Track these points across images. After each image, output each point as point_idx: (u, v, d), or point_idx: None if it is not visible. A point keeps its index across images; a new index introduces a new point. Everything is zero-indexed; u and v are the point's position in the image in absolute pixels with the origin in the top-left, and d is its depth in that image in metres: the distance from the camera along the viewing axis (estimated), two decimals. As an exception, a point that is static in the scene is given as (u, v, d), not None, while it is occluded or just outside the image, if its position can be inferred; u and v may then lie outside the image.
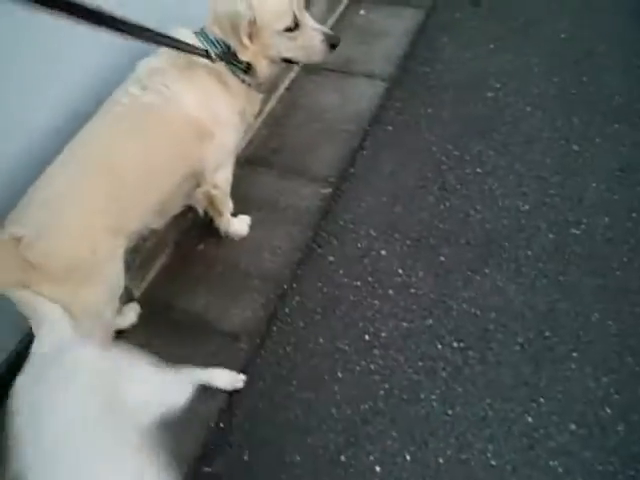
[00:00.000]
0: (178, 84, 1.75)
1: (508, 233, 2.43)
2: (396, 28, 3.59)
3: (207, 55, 1.74)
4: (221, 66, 1.81)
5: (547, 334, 2.09)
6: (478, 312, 2.18)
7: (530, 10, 3.72)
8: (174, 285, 2.31)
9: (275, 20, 1.80)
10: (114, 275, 1.68)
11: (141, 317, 2.20)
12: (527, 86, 3.13)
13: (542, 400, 1.94)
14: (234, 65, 1.84)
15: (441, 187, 2.62)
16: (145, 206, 1.74)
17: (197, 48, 1.73)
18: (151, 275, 2.36)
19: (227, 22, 1.76)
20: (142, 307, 2.21)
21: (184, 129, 1.76)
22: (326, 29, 1.94)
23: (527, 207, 2.52)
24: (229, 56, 1.80)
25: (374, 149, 2.82)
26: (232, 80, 1.86)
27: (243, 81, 1.90)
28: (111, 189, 1.58)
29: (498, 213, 2.50)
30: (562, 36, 3.46)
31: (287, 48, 1.88)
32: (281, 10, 1.80)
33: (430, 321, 2.17)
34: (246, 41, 1.76)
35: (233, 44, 1.78)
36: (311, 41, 1.90)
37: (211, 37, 1.80)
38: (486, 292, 2.24)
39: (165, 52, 1.81)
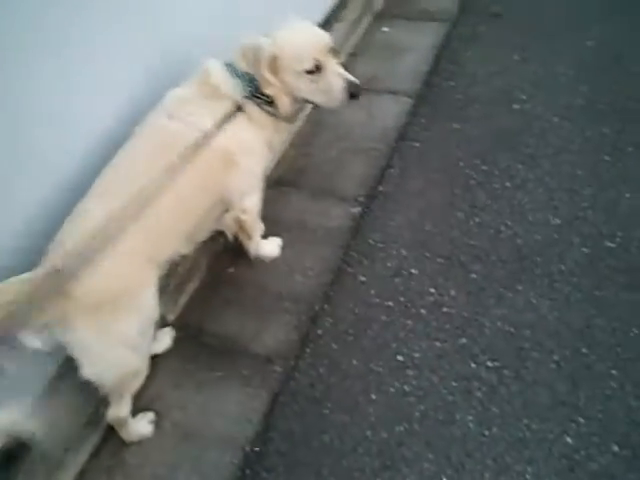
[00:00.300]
0: (203, 114, 1.79)
1: (540, 248, 2.40)
2: (419, 43, 3.61)
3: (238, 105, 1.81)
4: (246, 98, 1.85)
5: (584, 351, 2.06)
6: (512, 330, 2.16)
7: (553, 19, 3.71)
8: (207, 309, 2.34)
9: (296, 61, 1.84)
10: (149, 304, 1.70)
11: (175, 341, 2.23)
12: (554, 97, 3.11)
13: (581, 420, 1.90)
14: (259, 98, 1.88)
15: (470, 203, 2.61)
16: (177, 234, 1.77)
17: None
18: (184, 299, 2.39)
19: (251, 55, 1.81)
20: (176, 331, 2.25)
21: (210, 158, 1.78)
22: (351, 77, 1.93)
23: (559, 221, 2.49)
24: (254, 90, 1.84)
25: (402, 166, 2.83)
26: (257, 112, 1.89)
27: (268, 113, 1.93)
28: (144, 220, 1.61)
29: (529, 228, 2.48)
30: (588, 44, 3.44)
31: (307, 90, 1.90)
32: (303, 52, 1.84)
33: (463, 340, 2.15)
34: (268, 75, 1.81)
35: (258, 77, 1.82)
36: (331, 86, 1.90)
37: (238, 70, 1.84)
38: (519, 309, 2.21)
39: (193, 82, 1.86)
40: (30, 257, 1.58)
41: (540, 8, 3.82)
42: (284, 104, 1.91)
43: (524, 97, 3.12)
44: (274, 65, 1.82)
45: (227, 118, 1.77)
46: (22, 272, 1.46)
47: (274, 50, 1.79)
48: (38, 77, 1.66)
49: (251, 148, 1.88)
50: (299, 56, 1.84)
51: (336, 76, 1.89)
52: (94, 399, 1.84)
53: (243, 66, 1.84)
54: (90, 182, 1.70)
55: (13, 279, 1.40)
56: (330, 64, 1.88)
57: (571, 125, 2.92)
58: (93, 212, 1.57)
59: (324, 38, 1.91)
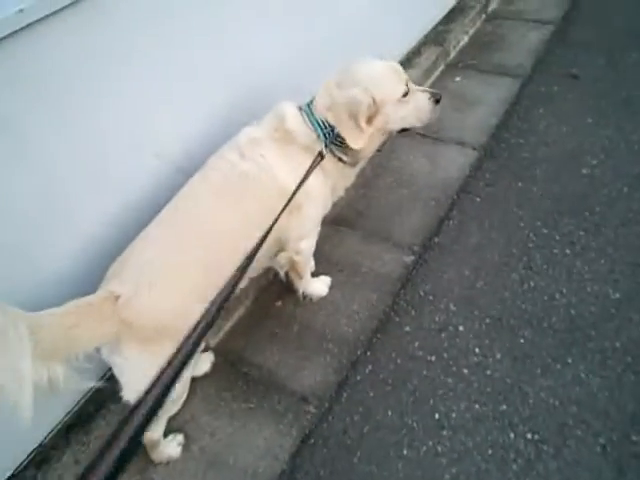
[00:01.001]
0: (274, 156, 1.84)
1: (595, 321, 2.31)
2: (491, 97, 3.61)
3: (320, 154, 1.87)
4: (319, 145, 1.89)
5: (634, 438, 1.95)
6: (557, 403, 2.08)
7: (632, 85, 3.63)
8: (249, 339, 2.36)
9: (393, 91, 1.94)
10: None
11: (215, 366, 2.26)
12: (626, 165, 3.03)
13: (623, 512, 1.80)
14: (336, 145, 1.92)
15: (526, 266, 2.55)
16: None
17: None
18: (228, 326, 2.43)
19: (344, 111, 1.85)
20: (216, 357, 2.28)
21: (275, 200, 1.81)
22: (428, 88, 2.10)
23: (618, 295, 2.40)
24: (332, 138, 1.89)
25: (460, 220, 2.81)
26: (330, 160, 1.93)
27: (339, 159, 1.96)
28: (206, 254, 1.66)
29: (586, 299, 2.40)
30: (667, 114, 3.34)
31: (402, 115, 1.99)
32: (396, 79, 1.96)
33: (504, 407, 2.08)
34: (364, 125, 1.86)
35: (343, 131, 1.86)
36: (420, 101, 2.03)
37: (317, 118, 1.89)
38: (567, 382, 2.13)
39: (265, 123, 1.92)
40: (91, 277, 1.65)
41: (620, 74, 3.75)
42: (368, 148, 1.98)
43: (594, 162, 3.06)
44: (372, 111, 1.87)
45: (313, 169, 1.82)
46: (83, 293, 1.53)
47: (370, 94, 1.86)
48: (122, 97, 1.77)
49: (316, 195, 1.91)
50: (394, 85, 1.95)
51: (420, 91, 2.03)
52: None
53: (328, 117, 1.88)
54: (158, 205, 1.78)
55: (73, 302, 1.47)
56: (410, 84, 2.00)
57: (641, 196, 2.83)
58: (156, 241, 1.62)
59: (395, 63, 2.02)
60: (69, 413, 2.04)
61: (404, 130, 2.09)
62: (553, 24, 4.38)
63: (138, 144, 1.93)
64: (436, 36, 3.97)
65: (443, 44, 3.87)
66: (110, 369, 1.70)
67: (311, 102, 1.95)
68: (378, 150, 2.19)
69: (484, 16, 4.52)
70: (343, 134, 1.87)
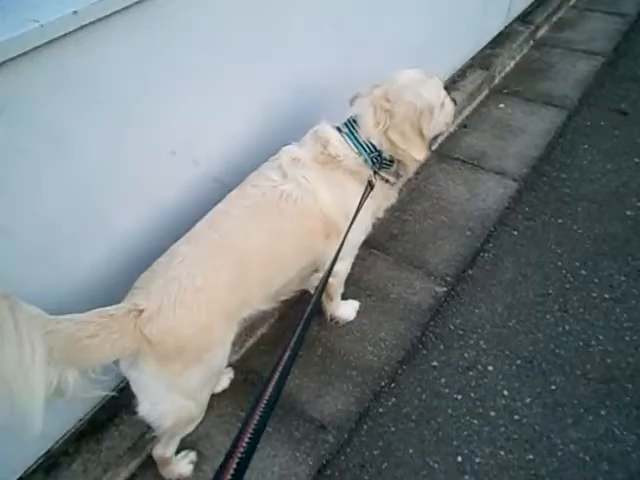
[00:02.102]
0: (318, 179, 1.79)
1: (632, 373, 2.21)
2: (535, 127, 3.52)
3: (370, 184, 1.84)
4: (366, 169, 1.84)
5: (666, 505, 1.86)
6: (587, 458, 1.98)
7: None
8: (270, 358, 2.28)
9: (438, 95, 1.97)
10: (220, 360, 1.69)
11: (233, 383, 2.21)
12: (674, 212, 2.92)
13: None
14: (385, 167, 1.88)
15: (562, 307, 2.46)
16: (265, 292, 1.75)
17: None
18: (250, 342, 2.37)
19: (406, 122, 1.83)
20: (235, 374, 2.22)
21: (315, 224, 1.78)
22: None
23: (658, 348, 2.30)
24: (380, 162, 1.86)
25: (496, 253, 2.72)
26: (376, 183, 1.87)
27: (387, 181, 1.91)
28: (237, 275, 1.61)
29: (624, 348, 2.30)
30: None
31: (440, 121, 2.00)
32: (436, 84, 1.98)
33: (531, 456, 1.99)
34: (427, 132, 1.87)
35: (407, 143, 1.84)
36: (449, 105, 2.05)
37: (362, 141, 1.84)
38: (599, 437, 2.03)
39: (308, 145, 1.87)
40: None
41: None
42: (422, 159, 1.94)
43: (639, 204, 2.95)
44: (430, 116, 1.88)
45: (364, 201, 1.78)
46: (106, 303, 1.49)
47: (426, 100, 1.86)
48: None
49: (359, 221, 1.85)
50: (437, 89, 1.97)
51: (448, 97, 2.05)
52: (142, 425, 1.85)
53: (369, 131, 1.84)
54: (191, 216, 1.73)
55: (96, 311, 1.42)
56: None
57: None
58: (187, 257, 1.57)
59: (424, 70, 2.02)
60: (81, 420, 2.00)
61: (434, 139, 2.10)
62: (603, 56, 4.27)
63: (177, 151, 1.89)
64: (482, 60, 3.90)
65: (489, 68, 3.80)
66: (125, 379, 1.66)
67: (351, 123, 1.90)
68: (416, 173, 2.15)
69: (532, 42, 4.42)
70: (408, 147, 1.84)
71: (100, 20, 1.46)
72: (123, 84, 1.61)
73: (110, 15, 1.48)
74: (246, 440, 1.01)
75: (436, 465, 1.99)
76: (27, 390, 1.21)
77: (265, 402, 1.10)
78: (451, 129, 3.45)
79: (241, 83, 2.05)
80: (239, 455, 0.99)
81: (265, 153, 1.92)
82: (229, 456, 0.99)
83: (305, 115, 2.17)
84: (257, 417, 1.06)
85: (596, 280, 2.58)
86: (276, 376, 1.18)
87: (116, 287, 1.60)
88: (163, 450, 1.83)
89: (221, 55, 1.91)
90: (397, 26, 2.87)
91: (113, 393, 1.64)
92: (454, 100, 2.10)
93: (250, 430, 1.03)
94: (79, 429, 1.99)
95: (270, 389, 1.14)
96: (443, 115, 2.00)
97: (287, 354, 1.23)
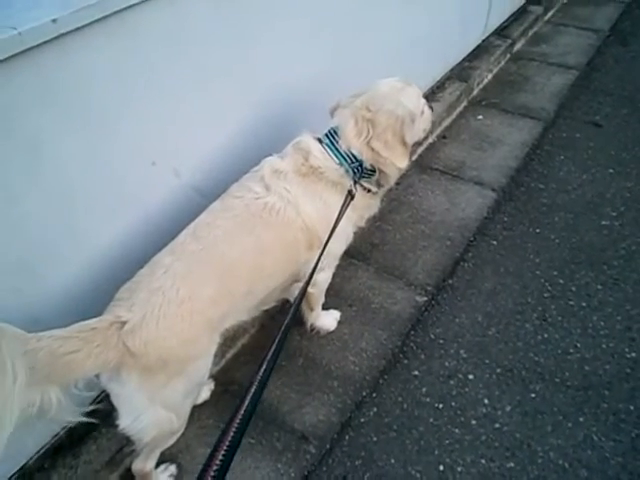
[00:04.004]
0: (300, 191, 1.79)
1: (610, 380, 2.24)
2: (512, 138, 3.58)
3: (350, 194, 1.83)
4: (347, 180, 1.84)
5: (645, 511, 1.88)
6: (567, 465, 2.00)
7: (657, 139, 3.60)
8: (251, 368, 2.23)
9: (418, 103, 1.97)
10: (203, 371, 1.67)
11: (214, 394, 2.18)
12: (646, 219, 2.98)
13: None
14: (366, 177, 1.88)
15: (541, 316, 2.49)
16: (248, 304, 1.75)
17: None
18: (231, 353, 2.35)
19: (388, 131, 1.83)
20: (216, 385, 2.20)
21: (297, 235, 1.78)
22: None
23: (634, 355, 2.33)
24: (361, 173, 1.86)
25: (476, 263, 2.75)
26: (357, 193, 1.87)
27: (368, 190, 1.92)
28: (221, 287, 1.60)
29: (600, 356, 2.33)
30: (690, 171, 3.30)
31: (420, 128, 2.03)
32: (417, 92, 1.99)
33: (512, 464, 2.00)
34: (409, 140, 1.87)
35: (389, 152, 1.84)
36: (427, 112, 2.06)
37: (343, 152, 1.84)
38: (578, 443, 2.05)
39: (289, 156, 1.86)
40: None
41: (644, 126, 3.73)
42: (406, 163, 1.94)
43: (614, 214, 3.01)
44: (411, 124, 1.88)
45: (344, 212, 1.77)
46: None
47: (407, 108, 1.87)
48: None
49: (340, 231, 1.85)
50: (417, 98, 1.97)
51: (426, 105, 2.06)
52: (120, 438, 1.82)
53: (350, 141, 1.84)
54: (173, 227, 1.72)
55: (77, 325, 1.40)
56: None
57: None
58: (169, 269, 1.55)
59: (403, 78, 2.02)
60: (57, 435, 1.95)
61: (413, 146, 2.09)
62: (577, 69, 4.37)
63: (157, 162, 1.88)
64: (461, 72, 3.96)
65: (467, 80, 3.85)
66: (103, 391, 1.63)
67: (331, 134, 1.90)
68: (396, 183, 2.16)
69: (509, 55, 4.51)
70: (391, 156, 1.84)
71: (79, 29, 1.46)
72: (102, 94, 1.60)
73: (89, 24, 1.47)
74: (222, 454, 1.01)
75: (418, 475, 1.99)
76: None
77: (241, 417, 1.09)
78: (430, 140, 3.49)
79: (221, 94, 2.04)
80: (214, 470, 0.98)
81: (246, 164, 1.91)
82: (204, 470, 0.99)
83: (286, 126, 2.18)
84: (232, 432, 1.05)
85: (573, 289, 2.61)
86: (253, 389, 1.17)
87: (96, 299, 1.57)
88: (143, 464, 1.80)
89: (201, 67, 1.91)
90: (378, 38, 2.90)
91: (92, 407, 1.61)
92: (431, 107, 2.12)
93: (226, 444, 1.03)
94: (55, 444, 1.95)
95: (246, 402, 1.13)
96: (422, 122, 2.03)
97: (263, 368, 1.23)
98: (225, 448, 1.03)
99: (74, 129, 1.56)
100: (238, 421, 1.08)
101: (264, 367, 1.23)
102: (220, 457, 1.01)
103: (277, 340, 1.32)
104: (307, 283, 1.55)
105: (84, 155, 1.61)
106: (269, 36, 2.17)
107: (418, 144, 2.11)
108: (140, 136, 1.77)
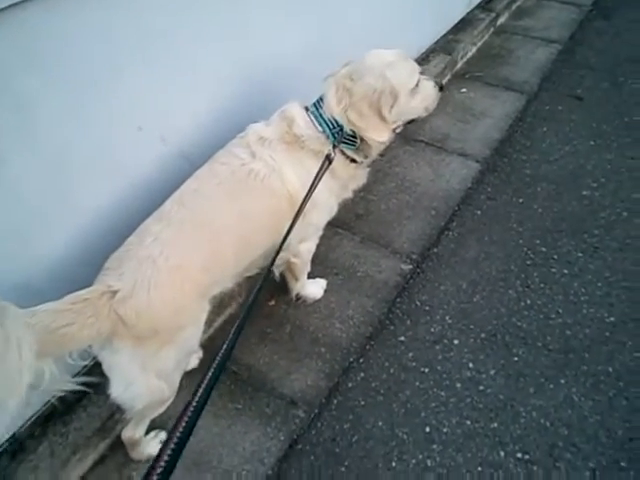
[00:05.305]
0: (284, 159, 1.78)
1: (589, 344, 2.30)
2: (496, 110, 3.60)
3: (328, 158, 1.79)
4: (329, 147, 1.82)
5: (623, 464, 1.94)
6: (548, 424, 2.05)
7: (635, 110, 3.65)
8: (239, 337, 2.29)
9: (408, 80, 1.88)
10: (194, 339, 1.68)
11: (202, 362, 2.19)
12: (626, 189, 3.03)
13: (609, 539, 1.79)
14: (348, 145, 1.86)
15: (524, 283, 2.54)
16: (233, 270, 1.75)
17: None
18: (218, 322, 2.37)
19: (364, 103, 1.79)
20: (204, 353, 2.21)
21: (282, 203, 1.77)
22: (430, 78, 2.05)
23: (613, 319, 2.39)
24: (340, 137, 1.83)
25: (460, 232, 2.78)
26: (339, 161, 1.86)
27: (353, 160, 1.91)
28: (210, 254, 1.60)
29: (581, 320, 2.38)
30: (669, 144, 3.35)
31: (413, 105, 1.94)
32: (409, 68, 1.91)
33: (495, 424, 2.06)
34: (387, 114, 1.81)
35: (366, 124, 1.81)
36: (428, 90, 1.99)
37: (325, 117, 1.83)
38: (559, 404, 2.11)
39: (275, 124, 1.86)
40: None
41: (623, 99, 3.77)
42: (386, 141, 1.92)
43: (595, 185, 3.06)
44: (392, 99, 1.82)
45: (321, 175, 1.74)
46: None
47: (388, 82, 1.80)
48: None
49: (322, 202, 1.85)
50: (408, 73, 1.89)
51: (426, 80, 1.99)
52: (111, 405, 1.82)
53: (353, 119, 1.81)
54: (161, 195, 1.71)
55: (69, 297, 1.40)
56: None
57: (639, 223, 2.83)
58: (158, 236, 1.55)
59: (402, 51, 1.95)
60: (48, 402, 1.95)
61: (410, 122, 2.04)
62: (560, 43, 4.40)
63: (143, 128, 1.86)
64: (445, 45, 3.95)
65: (451, 53, 3.85)
66: (93, 359, 1.64)
67: (319, 102, 1.89)
68: (381, 155, 2.15)
69: (492, 29, 4.51)
70: (366, 127, 1.81)
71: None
72: (89, 55, 1.58)
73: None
74: (187, 416, 1.03)
75: (405, 436, 2.03)
76: (10, 389, 1.20)
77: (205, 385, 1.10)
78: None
79: (211, 59, 2.03)
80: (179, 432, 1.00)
81: (235, 130, 1.90)
82: (172, 431, 1.00)
83: (274, 92, 2.17)
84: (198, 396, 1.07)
85: (555, 257, 2.66)
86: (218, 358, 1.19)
87: (87, 263, 1.58)
88: (132, 432, 1.81)
89: (191, 32, 1.89)
90: (364, 10, 2.89)
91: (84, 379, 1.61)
92: (439, 84, 2.05)
93: (192, 405, 1.05)
94: (45, 412, 1.95)
95: (210, 372, 1.14)
96: (418, 99, 1.95)
97: (229, 337, 1.26)
98: (191, 409, 1.04)
99: (61, 90, 1.53)
100: (204, 385, 1.10)
101: (230, 334, 1.25)
102: (186, 419, 1.02)
103: (241, 316, 1.33)
104: (277, 253, 1.52)
105: (71, 117, 1.59)
106: (262, 1, 2.15)
107: (413, 121, 2.04)
108: (126, 100, 1.75)
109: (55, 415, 1.95)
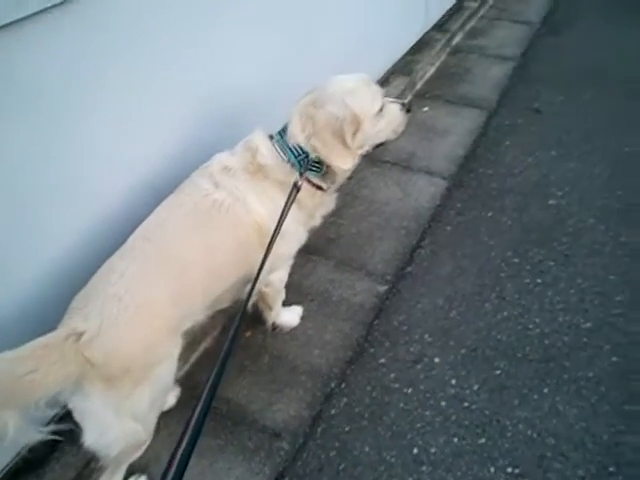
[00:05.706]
0: (248, 189, 1.76)
1: (568, 351, 2.31)
2: (458, 127, 3.66)
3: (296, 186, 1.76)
4: (295, 176, 1.79)
5: (611, 469, 1.93)
6: (535, 435, 2.04)
7: (590, 120, 3.76)
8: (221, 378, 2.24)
9: (370, 106, 1.87)
10: (167, 378, 1.63)
11: (180, 400, 2.13)
12: (590, 197, 3.09)
13: None
14: (313, 172, 1.85)
15: (499, 295, 2.55)
16: (203, 303, 1.71)
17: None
18: (194, 357, 2.30)
19: (327, 131, 1.78)
20: (182, 390, 2.15)
21: (248, 234, 1.75)
22: (396, 99, 2.05)
23: (589, 325, 2.41)
24: (306, 165, 1.81)
25: (432, 249, 2.79)
26: (305, 191, 1.83)
27: (319, 187, 1.90)
28: (177, 287, 1.56)
29: (558, 328, 2.39)
30: (626, 149, 3.45)
31: (378, 130, 1.93)
32: (371, 93, 1.90)
33: (483, 440, 2.03)
34: (350, 141, 1.80)
35: (330, 152, 1.80)
36: (393, 113, 1.98)
37: (290, 145, 1.82)
38: (544, 414, 2.10)
39: (239, 153, 1.84)
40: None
41: (578, 110, 3.88)
42: (350, 167, 1.90)
43: (560, 193, 3.11)
44: (354, 125, 1.81)
45: (290, 205, 1.69)
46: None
47: (350, 109, 1.79)
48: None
49: (290, 233, 1.82)
50: (370, 99, 1.88)
51: (391, 103, 1.97)
52: (85, 453, 1.75)
53: (295, 137, 1.81)
54: (130, 228, 1.68)
55: (31, 344, 1.34)
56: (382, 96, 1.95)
57: (605, 228, 2.88)
58: (123, 273, 1.51)
59: (365, 75, 1.95)
60: (18, 454, 1.86)
61: (379, 146, 2.03)
62: (514, 60, 4.53)
63: (113, 159, 1.84)
64: (404, 66, 4.03)
65: (410, 74, 3.93)
66: (64, 407, 1.57)
67: (283, 130, 1.88)
68: (348, 178, 2.14)
69: (449, 49, 4.62)
70: (329, 155, 1.80)
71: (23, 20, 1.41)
72: (50, 86, 1.56)
73: (33, 15, 1.43)
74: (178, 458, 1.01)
75: (393, 459, 1.99)
76: None
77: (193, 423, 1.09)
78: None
79: (176, 90, 2.04)
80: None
81: (202, 160, 1.89)
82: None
83: (242, 122, 2.16)
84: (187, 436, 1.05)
85: (528, 267, 2.68)
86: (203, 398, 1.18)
87: (57, 305, 1.52)
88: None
89: (151, 62, 1.89)
90: (324, 30, 2.94)
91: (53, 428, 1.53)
92: (407, 106, 2.04)
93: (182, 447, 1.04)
94: (15, 466, 1.86)
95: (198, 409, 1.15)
96: (383, 123, 1.94)
97: (215, 371, 1.26)
98: (181, 452, 1.03)
99: (29, 121, 1.52)
100: (192, 425, 1.08)
101: (214, 371, 1.25)
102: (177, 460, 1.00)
103: (226, 345, 1.32)
104: (252, 288, 1.48)
105: (39, 148, 1.57)
106: (222, 28, 2.19)
107: (381, 145, 2.04)
108: (93, 130, 1.73)
109: (27, 467, 1.87)
